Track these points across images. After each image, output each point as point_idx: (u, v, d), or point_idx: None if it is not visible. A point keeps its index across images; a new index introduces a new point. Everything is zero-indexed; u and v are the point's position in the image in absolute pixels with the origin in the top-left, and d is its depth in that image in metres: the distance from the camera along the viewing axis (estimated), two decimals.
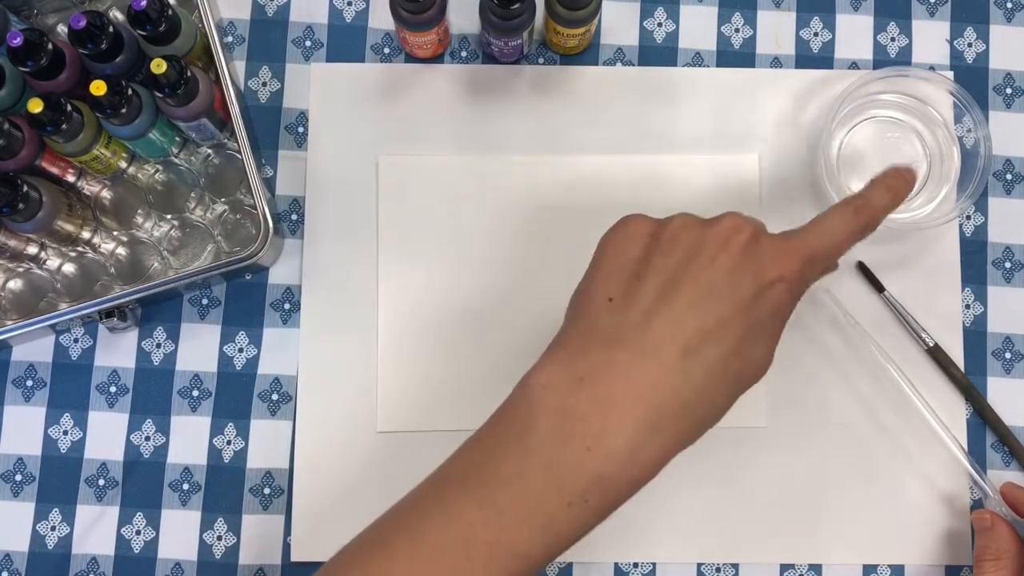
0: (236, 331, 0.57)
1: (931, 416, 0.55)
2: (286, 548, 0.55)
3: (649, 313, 0.38)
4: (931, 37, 0.60)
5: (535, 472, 0.37)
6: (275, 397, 0.56)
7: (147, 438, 0.56)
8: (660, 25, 0.60)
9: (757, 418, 0.56)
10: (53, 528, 0.55)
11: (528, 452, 0.37)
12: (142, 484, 0.56)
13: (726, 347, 0.38)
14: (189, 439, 0.56)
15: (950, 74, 0.60)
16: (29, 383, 0.56)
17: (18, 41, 0.48)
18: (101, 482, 0.56)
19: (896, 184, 0.45)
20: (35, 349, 0.57)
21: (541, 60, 0.59)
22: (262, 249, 0.54)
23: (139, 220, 0.57)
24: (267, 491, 0.56)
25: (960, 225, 0.58)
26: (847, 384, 0.57)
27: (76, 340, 0.57)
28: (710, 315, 0.38)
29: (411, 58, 0.59)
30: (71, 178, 0.55)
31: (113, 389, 0.56)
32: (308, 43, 0.59)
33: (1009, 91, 0.60)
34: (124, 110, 0.50)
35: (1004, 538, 0.52)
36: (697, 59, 0.59)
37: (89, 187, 0.56)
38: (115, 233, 0.57)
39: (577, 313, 0.41)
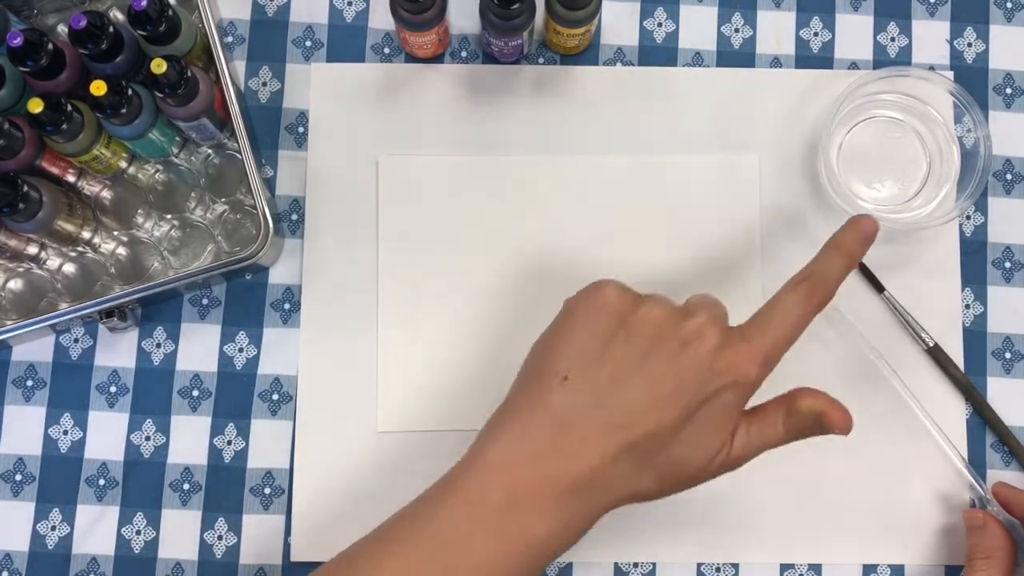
0: (236, 331, 0.57)
1: (925, 417, 0.55)
2: (287, 548, 0.55)
3: (600, 400, 0.41)
4: (931, 37, 0.60)
5: (484, 537, 0.40)
6: (275, 397, 0.56)
7: (147, 438, 0.56)
8: (660, 25, 0.60)
9: None
10: (53, 528, 0.55)
11: (480, 521, 0.40)
12: (142, 484, 0.56)
13: (663, 444, 0.41)
14: (189, 439, 0.56)
15: (950, 74, 0.60)
16: (29, 383, 0.56)
17: (18, 41, 0.48)
18: (101, 482, 0.56)
19: (852, 246, 0.45)
20: (35, 349, 0.57)
21: (541, 60, 0.59)
22: (262, 249, 0.54)
23: (139, 220, 0.57)
24: (267, 491, 0.56)
25: (960, 225, 0.58)
26: (847, 384, 0.57)
27: (76, 340, 0.57)
28: (655, 412, 0.41)
29: (411, 58, 0.59)
30: (71, 178, 0.55)
31: (113, 389, 0.56)
32: (308, 43, 0.59)
33: (1009, 91, 0.60)
34: (124, 110, 0.50)
35: (996, 537, 0.52)
36: (697, 59, 0.59)
37: (89, 187, 0.56)
38: (115, 233, 0.57)
39: (532, 378, 0.43)
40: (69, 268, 0.57)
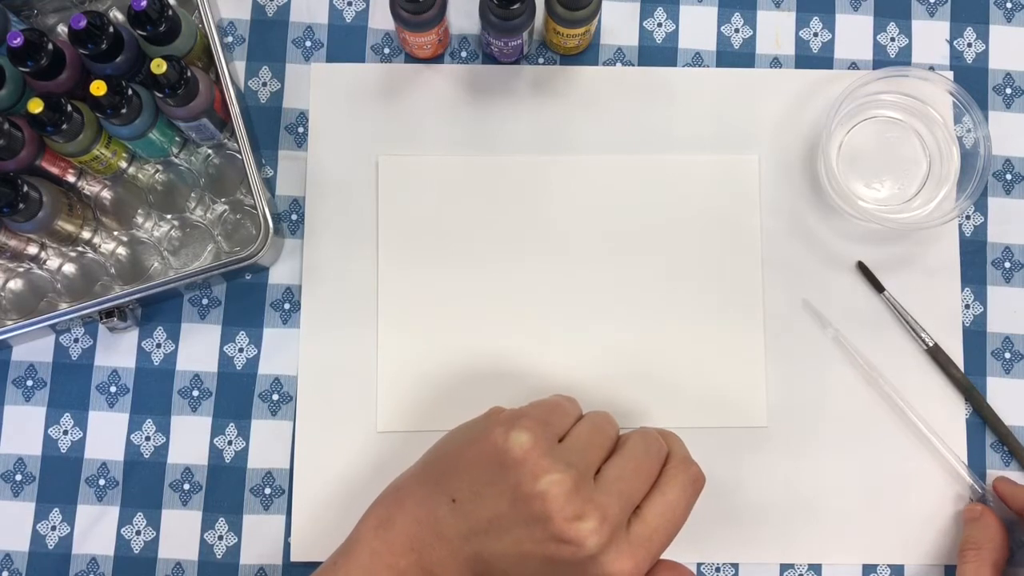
0: (236, 331, 0.57)
1: (924, 426, 0.55)
2: (287, 548, 0.55)
3: (471, 535, 0.42)
4: (931, 37, 0.60)
5: None
6: (275, 397, 0.56)
7: (147, 438, 0.56)
8: (660, 25, 0.60)
9: (757, 418, 0.56)
10: (53, 528, 0.55)
11: None
12: (142, 484, 0.56)
13: None
14: (189, 439, 0.56)
15: (950, 74, 0.60)
16: (29, 383, 0.56)
17: (18, 41, 0.48)
18: (101, 482, 0.56)
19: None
20: (35, 349, 0.57)
21: (541, 60, 0.59)
22: (262, 249, 0.54)
23: (139, 220, 0.57)
24: (268, 491, 0.56)
25: (960, 225, 0.58)
26: (847, 384, 0.57)
27: (76, 340, 0.57)
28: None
29: (411, 58, 0.59)
30: (71, 178, 0.55)
31: (113, 389, 0.56)
32: (308, 43, 0.59)
33: (1009, 91, 0.60)
34: (124, 110, 0.50)
35: (988, 528, 0.53)
36: (697, 59, 0.59)
37: (89, 187, 0.56)
38: (115, 233, 0.57)
39: (431, 479, 0.44)
40: (69, 268, 0.57)
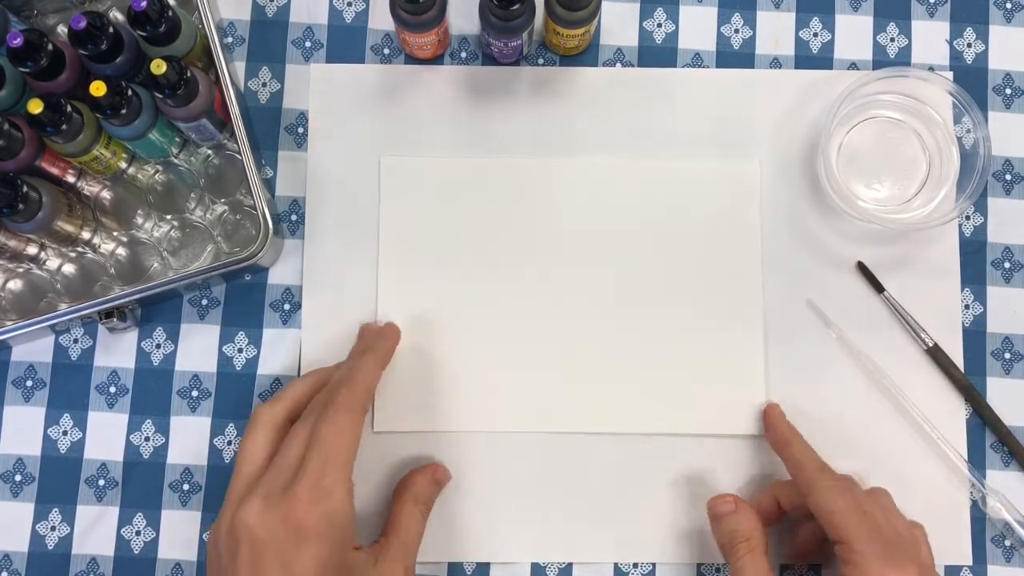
0: (236, 331, 0.57)
1: (926, 423, 0.55)
2: None
3: None
4: (930, 37, 0.60)
5: None
6: None
7: (147, 438, 0.56)
8: (660, 26, 0.60)
9: (758, 421, 0.56)
10: (53, 528, 0.55)
11: None
12: (142, 484, 0.56)
13: None
14: (189, 439, 0.56)
15: (949, 74, 0.60)
16: (29, 383, 0.56)
17: (18, 42, 0.48)
18: (101, 482, 0.56)
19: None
20: (35, 349, 0.57)
21: (541, 61, 0.59)
22: (262, 250, 0.54)
23: (139, 220, 0.57)
24: None
25: (959, 225, 0.58)
26: (847, 384, 0.57)
27: (76, 340, 0.57)
28: None
29: (411, 59, 0.59)
30: (71, 178, 0.55)
31: (113, 389, 0.56)
32: (308, 44, 0.59)
33: (1008, 91, 0.60)
34: (124, 111, 0.50)
35: (750, 518, 0.50)
36: (697, 59, 0.59)
37: (89, 187, 0.56)
38: (115, 233, 0.57)
39: None
40: (69, 268, 0.57)
